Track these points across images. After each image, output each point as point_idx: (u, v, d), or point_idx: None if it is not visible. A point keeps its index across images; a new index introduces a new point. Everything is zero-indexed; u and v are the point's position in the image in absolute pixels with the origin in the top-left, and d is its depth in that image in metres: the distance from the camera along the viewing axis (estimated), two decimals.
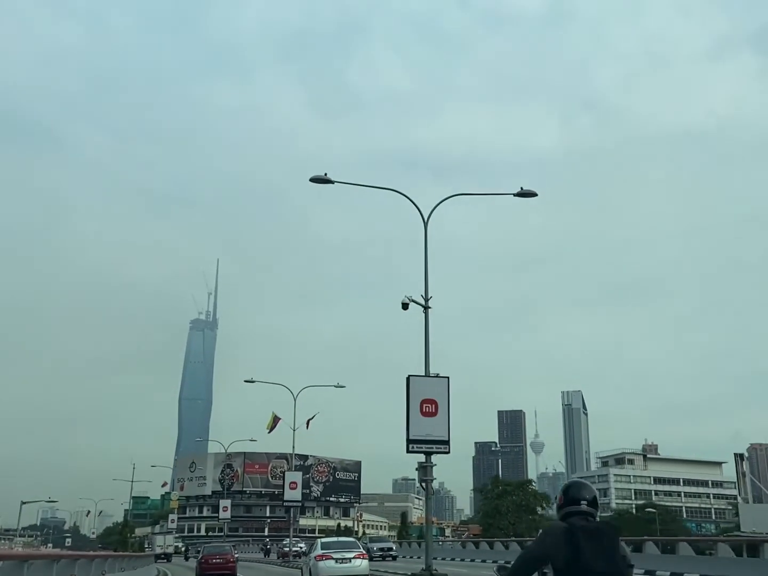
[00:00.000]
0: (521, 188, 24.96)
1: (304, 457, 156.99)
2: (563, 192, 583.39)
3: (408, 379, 22.94)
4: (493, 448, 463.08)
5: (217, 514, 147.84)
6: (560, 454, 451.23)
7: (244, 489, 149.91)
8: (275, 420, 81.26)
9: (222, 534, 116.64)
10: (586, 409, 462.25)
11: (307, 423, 68.46)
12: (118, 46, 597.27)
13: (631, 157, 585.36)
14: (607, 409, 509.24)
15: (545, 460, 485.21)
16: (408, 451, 22.81)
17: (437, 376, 23.72)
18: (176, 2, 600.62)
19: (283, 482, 64.58)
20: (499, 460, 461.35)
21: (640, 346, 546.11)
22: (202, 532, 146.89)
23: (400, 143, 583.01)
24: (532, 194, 25.25)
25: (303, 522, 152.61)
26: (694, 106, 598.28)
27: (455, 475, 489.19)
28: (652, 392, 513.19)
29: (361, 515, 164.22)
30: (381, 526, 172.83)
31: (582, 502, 4.75)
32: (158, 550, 74.33)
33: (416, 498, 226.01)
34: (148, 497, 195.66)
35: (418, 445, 22.09)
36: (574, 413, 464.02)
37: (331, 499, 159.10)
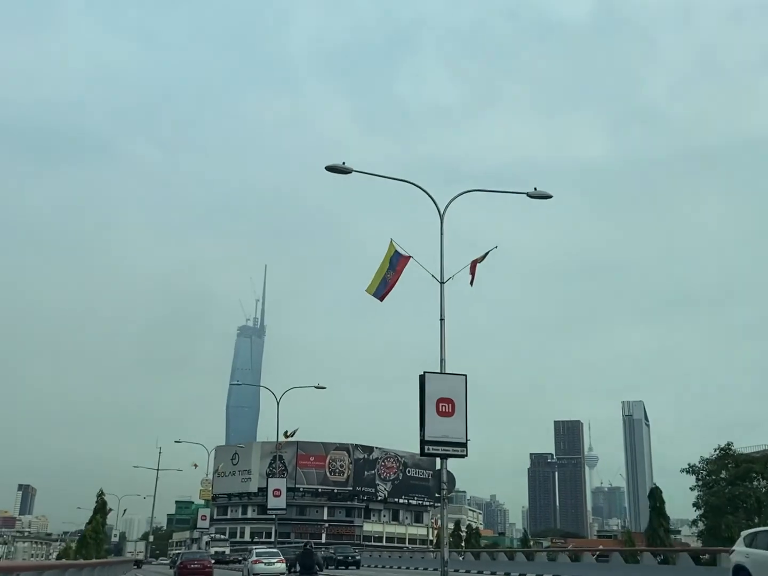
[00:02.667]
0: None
1: (369, 449, 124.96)
2: (615, 202, 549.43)
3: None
4: (549, 460, 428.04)
5: (264, 515, 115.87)
6: (616, 468, 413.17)
7: (297, 486, 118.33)
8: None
9: (271, 541, 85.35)
10: (647, 420, 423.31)
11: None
12: (168, 62, 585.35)
13: (684, 165, 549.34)
14: (668, 421, 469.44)
15: (600, 475, 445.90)
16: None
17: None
18: (226, 18, 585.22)
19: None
20: (556, 473, 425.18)
21: (701, 357, 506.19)
22: (247, 537, 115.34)
23: (445, 156, 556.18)
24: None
25: (368, 527, 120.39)
26: (748, 113, 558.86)
27: (508, 487, 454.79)
28: (715, 404, 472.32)
29: (436, 522, 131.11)
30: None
31: None
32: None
33: (470, 509, 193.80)
34: (192, 502, 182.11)
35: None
36: (635, 424, 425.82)
37: (401, 501, 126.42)
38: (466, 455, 19.82)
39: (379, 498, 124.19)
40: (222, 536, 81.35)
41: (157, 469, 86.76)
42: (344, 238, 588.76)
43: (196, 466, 71.52)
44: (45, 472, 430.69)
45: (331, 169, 22.20)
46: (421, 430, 19.64)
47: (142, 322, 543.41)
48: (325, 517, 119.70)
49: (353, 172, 22.22)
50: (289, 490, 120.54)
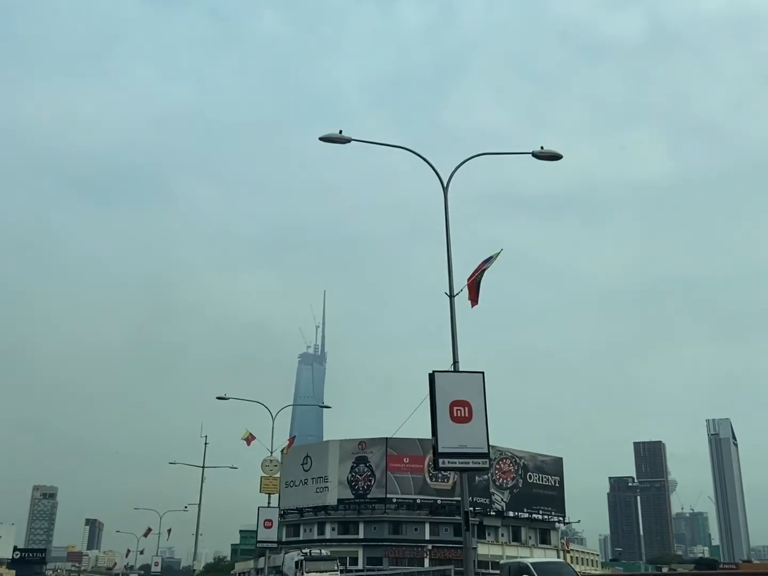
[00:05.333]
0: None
1: None
2: (679, 219, 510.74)
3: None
4: (630, 484, 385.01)
5: (348, 535, 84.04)
6: (697, 492, 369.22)
7: (389, 496, 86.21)
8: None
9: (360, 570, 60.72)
10: (736, 439, 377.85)
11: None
12: (223, 102, 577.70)
13: (747, 179, 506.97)
14: (754, 441, 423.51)
15: (680, 499, 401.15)
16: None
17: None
18: (275, 56, 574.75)
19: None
20: (638, 497, 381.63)
21: None
22: None
23: (497, 182, 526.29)
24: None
25: (483, 550, 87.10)
26: None
27: (582, 513, 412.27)
28: None
29: (567, 543, 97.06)
30: (591, 561, 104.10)
31: None
32: None
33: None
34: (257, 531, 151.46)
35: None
36: (722, 444, 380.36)
37: (522, 515, 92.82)
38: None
39: (495, 511, 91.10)
40: (322, 551, 49.22)
41: (203, 467, 59.90)
42: (400, 262, 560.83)
43: (249, 437, 40.32)
44: (111, 507, 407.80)
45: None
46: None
47: (211, 355, 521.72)
48: (427, 537, 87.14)
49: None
50: (377, 501, 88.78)
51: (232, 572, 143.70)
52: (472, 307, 19.06)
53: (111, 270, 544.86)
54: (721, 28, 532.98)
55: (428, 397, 17.08)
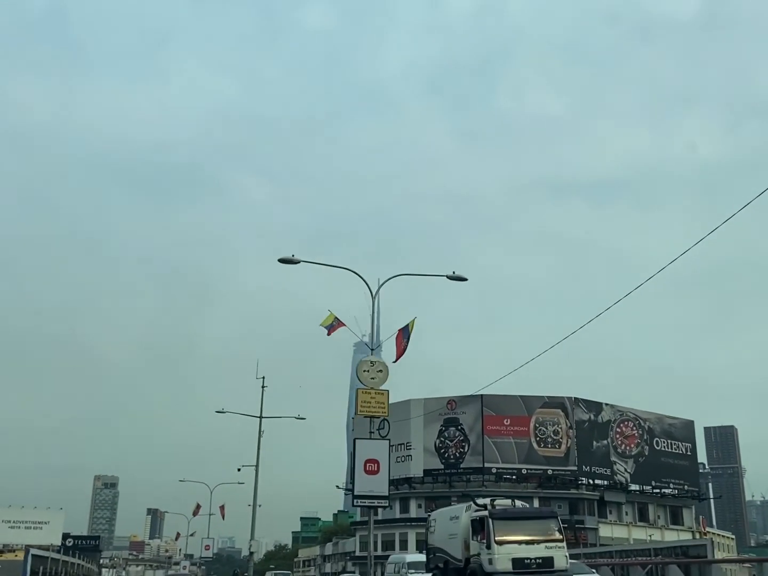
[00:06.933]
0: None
1: (596, 407, 73.42)
2: (738, 200, 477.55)
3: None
4: (701, 470, 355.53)
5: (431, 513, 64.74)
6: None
7: (487, 465, 67.94)
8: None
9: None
10: None
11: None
12: (272, 96, 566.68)
13: None
14: None
15: (751, 487, 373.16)
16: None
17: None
18: (322, 48, 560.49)
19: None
20: (710, 484, 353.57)
21: None
22: (412, 548, 65.72)
23: (550, 168, 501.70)
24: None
25: (605, 531, 68.37)
26: None
27: None
28: None
29: (704, 523, 77.35)
30: (726, 546, 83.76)
31: None
32: None
33: None
34: (319, 518, 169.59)
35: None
36: None
37: (648, 489, 73.35)
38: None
39: (619, 484, 71.99)
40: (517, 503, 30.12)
41: (260, 417, 43.74)
42: (457, 251, 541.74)
43: (336, 324, 24.73)
44: (169, 496, 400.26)
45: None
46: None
47: (270, 345, 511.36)
48: None
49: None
50: (472, 471, 70.21)
51: (295, 560, 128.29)
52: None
53: (167, 263, 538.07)
54: None
55: None
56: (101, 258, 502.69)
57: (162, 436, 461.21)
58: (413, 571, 29.09)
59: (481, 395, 71.06)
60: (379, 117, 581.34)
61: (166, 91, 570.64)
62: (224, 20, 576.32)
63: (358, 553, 76.94)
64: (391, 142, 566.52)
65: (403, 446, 72.33)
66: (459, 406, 71.27)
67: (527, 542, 18.37)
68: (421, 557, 30.01)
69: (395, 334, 24.82)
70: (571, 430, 70.16)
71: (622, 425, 73.64)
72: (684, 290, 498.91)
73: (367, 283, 24.03)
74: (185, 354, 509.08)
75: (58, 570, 49.39)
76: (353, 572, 59.15)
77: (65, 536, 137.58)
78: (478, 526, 19.73)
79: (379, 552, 75.09)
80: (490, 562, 18.19)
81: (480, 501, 21.01)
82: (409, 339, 24.52)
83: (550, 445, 69.51)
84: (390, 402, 69.66)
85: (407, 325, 24.57)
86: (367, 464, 21.63)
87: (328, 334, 24.91)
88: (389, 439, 23.61)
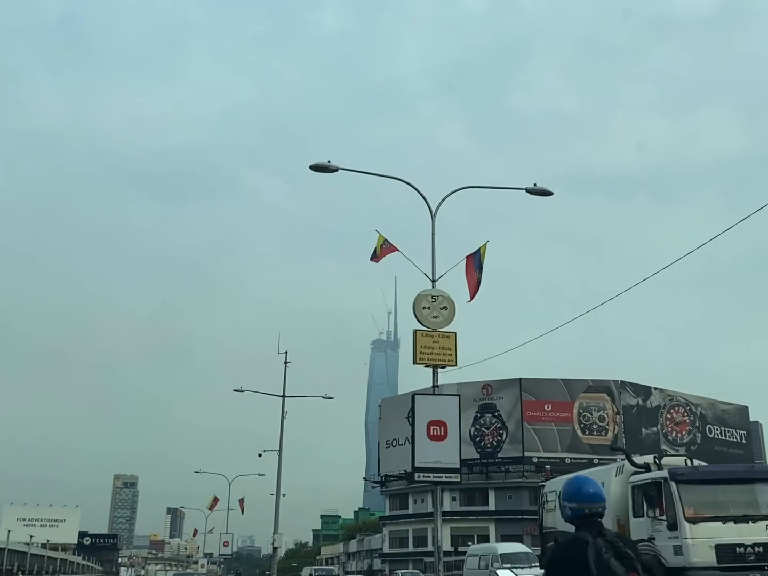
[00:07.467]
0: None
1: (644, 391, 67.33)
2: (758, 195, 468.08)
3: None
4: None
5: (473, 507, 61.36)
6: None
7: (527, 455, 62.25)
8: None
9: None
10: None
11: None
12: (288, 96, 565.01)
13: None
14: None
15: None
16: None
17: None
18: (338, 48, 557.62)
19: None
20: None
21: None
22: (447, 546, 59.90)
23: (567, 164, 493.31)
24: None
25: None
26: None
27: None
28: None
29: None
30: None
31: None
32: None
33: None
34: (339, 516, 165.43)
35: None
36: None
37: None
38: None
39: None
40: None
41: (283, 396, 37.79)
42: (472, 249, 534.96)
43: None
44: (188, 493, 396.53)
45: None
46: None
47: (285, 344, 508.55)
48: None
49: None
50: (512, 461, 65.30)
51: (317, 557, 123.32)
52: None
53: (184, 262, 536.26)
54: None
55: None
56: (118, 257, 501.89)
57: (181, 431, 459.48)
58: (509, 565, 23.28)
59: (520, 379, 65.40)
60: (394, 116, 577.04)
61: (181, 93, 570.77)
62: (238, 22, 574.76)
63: (387, 550, 71.39)
64: (406, 141, 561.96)
65: None
66: (495, 391, 65.53)
67: (737, 519, 12.23)
68: (519, 547, 24.50)
69: (460, 264, 18.76)
70: (618, 416, 64.17)
71: (672, 411, 67.53)
72: (708, 285, 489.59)
73: (424, 197, 19.09)
74: (201, 347, 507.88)
75: (55, 568, 44.60)
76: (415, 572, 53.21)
77: (82, 534, 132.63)
78: (651, 496, 13.53)
79: (410, 548, 69.61)
80: (679, 551, 12.16)
81: (638, 459, 14.98)
82: (482, 270, 18.64)
83: (595, 433, 63.56)
84: (420, 387, 62.46)
85: (478, 250, 18.75)
86: (431, 427, 16.56)
87: (377, 260, 19.27)
88: (459, 395, 18.16)
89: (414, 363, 17.68)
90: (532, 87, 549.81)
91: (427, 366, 17.71)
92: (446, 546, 61.85)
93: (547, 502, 18.74)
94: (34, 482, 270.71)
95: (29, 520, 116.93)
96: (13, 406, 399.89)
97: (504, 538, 59.52)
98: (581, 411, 64.13)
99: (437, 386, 17.84)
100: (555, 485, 18.90)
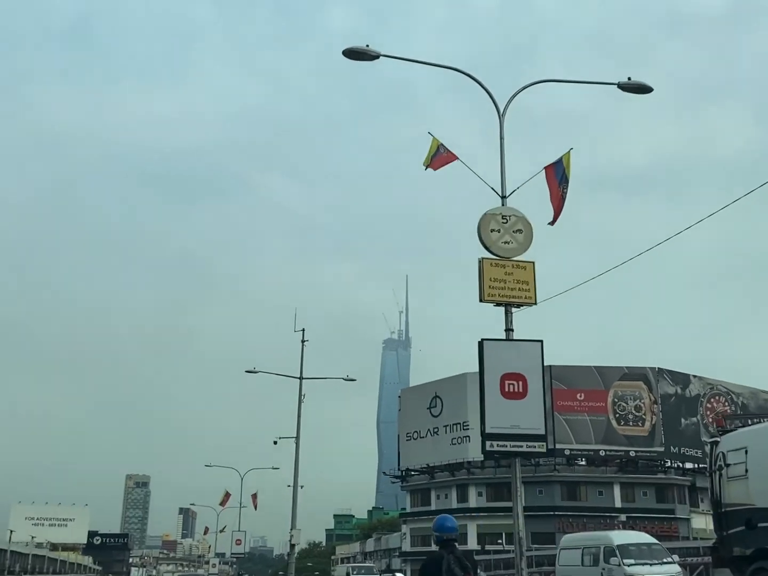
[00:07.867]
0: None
1: (683, 379, 62.95)
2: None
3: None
4: None
5: (500, 503, 56.65)
6: None
7: (559, 447, 58.05)
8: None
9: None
10: None
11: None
12: (297, 97, 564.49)
13: None
14: None
15: None
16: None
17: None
18: (348, 47, 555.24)
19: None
20: None
21: None
22: (472, 543, 55.95)
23: (579, 163, 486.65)
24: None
25: (699, 523, 58.30)
26: None
27: None
28: None
29: None
30: None
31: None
32: None
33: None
34: (353, 516, 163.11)
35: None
36: None
37: None
38: (545, 451, 12.65)
39: (704, 465, 61.13)
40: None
41: (300, 378, 33.79)
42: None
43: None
44: (199, 491, 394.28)
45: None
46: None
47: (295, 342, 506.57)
48: (618, 503, 58.54)
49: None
50: (542, 454, 60.65)
51: (332, 557, 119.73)
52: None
53: (198, 263, 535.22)
54: None
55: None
56: (130, 258, 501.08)
57: (193, 430, 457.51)
58: (632, 561, 19.01)
59: (549, 366, 61.01)
60: (405, 115, 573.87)
61: (192, 94, 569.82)
62: (248, 22, 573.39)
63: (408, 549, 67.25)
64: (417, 140, 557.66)
65: (459, 426, 62.56)
66: None
67: None
68: (643, 537, 20.12)
69: (538, 175, 14.68)
70: (655, 406, 59.83)
71: (712, 400, 63.16)
72: (719, 285, 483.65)
73: (489, 93, 15.94)
74: (211, 346, 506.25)
75: (55, 569, 41.09)
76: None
77: (93, 534, 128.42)
78: None
79: (434, 547, 65.59)
80: None
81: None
82: (567, 183, 14.45)
83: (631, 423, 59.30)
84: (444, 376, 55.53)
85: (560, 159, 14.65)
86: (506, 382, 12.49)
87: (434, 168, 15.11)
88: (542, 340, 12.87)
89: (481, 301, 13.46)
90: (544, 84, 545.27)
91: (498, 304, 13.51)
92: (472, 544, 57.85)
93: (728, 466, 13.77)
94: (45, 483, 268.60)
95: (38, 519, 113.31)
96: (24, 406, 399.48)
97: (535, 537, 55.41)
98: (616, 400, 59.87)
99: (511, 329, 13.59)
100: (741, 440, 13.97)
